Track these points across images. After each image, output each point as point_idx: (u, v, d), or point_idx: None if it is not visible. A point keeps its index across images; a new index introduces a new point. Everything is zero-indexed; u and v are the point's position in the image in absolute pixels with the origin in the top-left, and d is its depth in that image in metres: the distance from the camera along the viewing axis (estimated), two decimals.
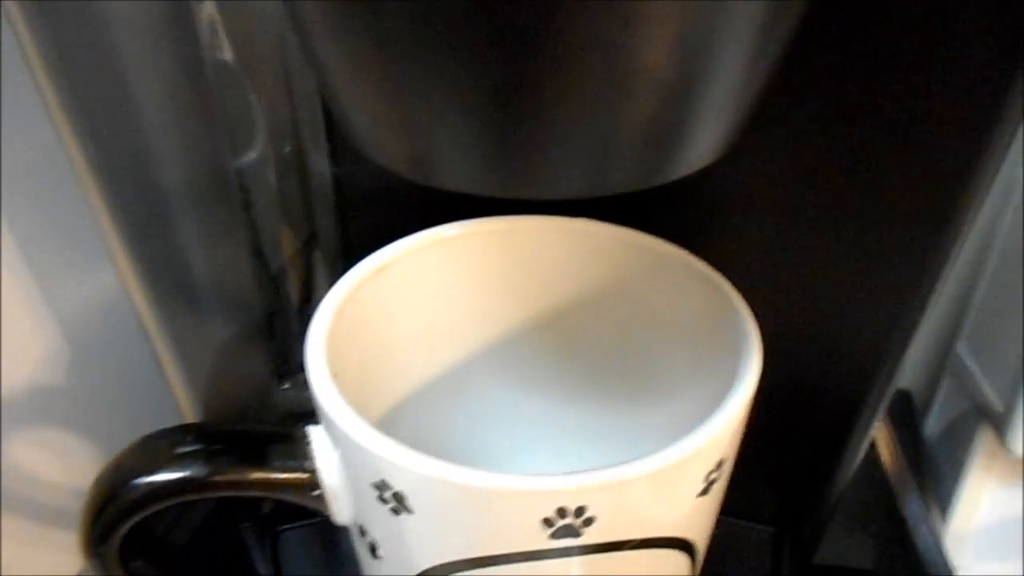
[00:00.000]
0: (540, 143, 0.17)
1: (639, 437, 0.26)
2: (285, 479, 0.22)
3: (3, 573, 0.32)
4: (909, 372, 0.49)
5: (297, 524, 0.35)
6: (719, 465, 0.21)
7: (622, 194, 0.24)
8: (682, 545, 0.22)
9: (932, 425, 0.46)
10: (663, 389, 0.27)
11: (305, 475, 0.22)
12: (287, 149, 0.27)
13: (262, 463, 0.22)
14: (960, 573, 0.37)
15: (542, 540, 0.19)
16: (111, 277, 0.27)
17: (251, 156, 0.26)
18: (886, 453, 0.39)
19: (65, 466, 0.35)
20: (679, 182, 0.26)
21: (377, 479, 0.20)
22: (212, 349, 0.29)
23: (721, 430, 0.20)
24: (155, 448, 0.22)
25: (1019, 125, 0.22)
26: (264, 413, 0.30)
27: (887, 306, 0.26)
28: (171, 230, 0.26)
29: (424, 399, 0.28)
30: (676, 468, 0.19)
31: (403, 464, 0.19)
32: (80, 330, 0.35)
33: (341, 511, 0.23)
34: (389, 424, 0.26)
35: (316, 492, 0.22)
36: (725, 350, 0.23)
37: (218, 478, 0.22)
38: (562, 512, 0.19)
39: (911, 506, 0.38)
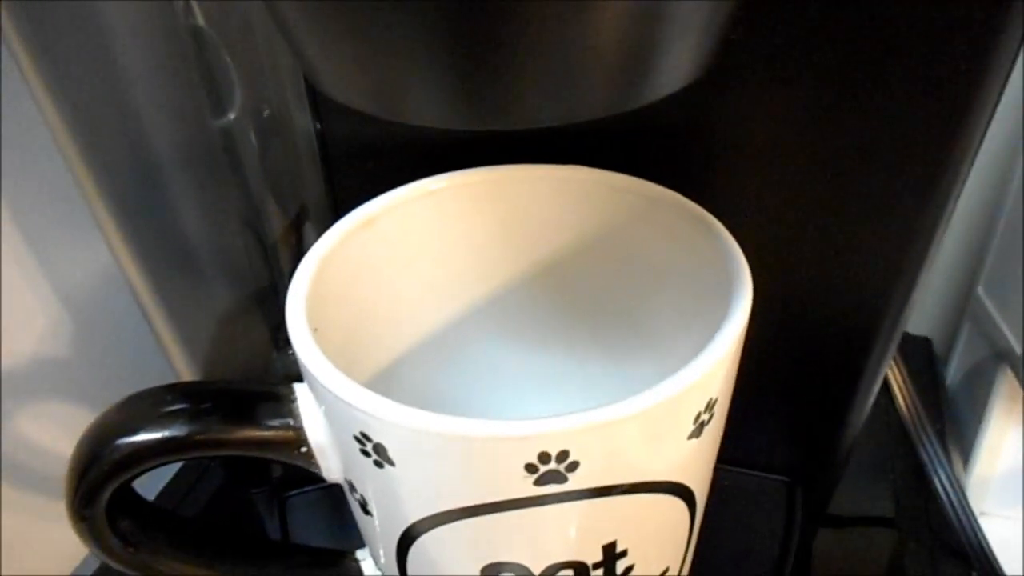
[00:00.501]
0: (505, 69, 0.16)
1: (637, 384, 0.26)
2: (271, 436, 0.22)
3: (7, 544, 0.33)
4: (929, 319, 0.49)
5: (304, 489, 0.35)
6: (710, 406, 0.20)
7: (613, 139, 0.24)
8: (678, 490, 0.22)
9: (953, 371, 0.46)
10: (659, 335, 0.26)
11: (291, 432, 0.22)
12: (266, 113, 0.26)
13: (248, 421, 0.22)
14: (982, 517, 0.36)
15: (527, 487, 0.19)
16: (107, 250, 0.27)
17: (233, 119, 0.26)
18: (902, 400, 0.38)
19: (66, 438, 0.35)
20: (674, 125, 0.25)
21: (357, 431, 0.19)
22: (210, 319, 0.28)
23: (708, 370, 0.19)
24: (138, 408, 0.22)
25: (1018, 60, 0.21)
26: (265, 380, 0.30)
27: (892, 246, 0.25)
28: (161, 200, 0.26)
29: (416, 355, 0.27)
30: (661, 409, 0.18)
31: (380, 414, 0.18)
32: (79, 304, 0.35)
33: (329, 468, 0.22)
34: (382, 382, 0.26)
35: (303, 449, 0.22)
36: (719, 293, 0.22)
37: (202, 437, 0.21)
38: (545, 457, 0.18)
39: (929, 452, 0.37)
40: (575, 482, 0.19)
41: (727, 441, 0.24)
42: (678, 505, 0.22)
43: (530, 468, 0.18)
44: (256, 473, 0.35)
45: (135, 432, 0.21)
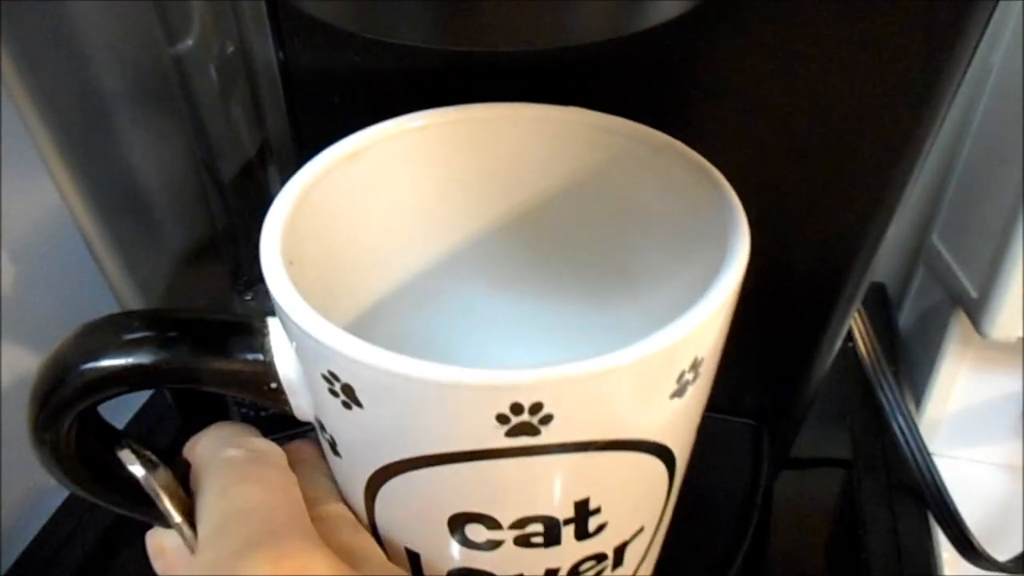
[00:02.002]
0: None
1: (627, 334, 0.25)
2: (240, 369, 0.21)
3: None
4: (883, 264, 0.51)
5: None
6: (695, 365, 0.19)
7: (591, 75, 0.23)
8: (657, 450, 0.21)
9: (906, 316, 0.48)
10: (651, 283, 0.25)
11: (261, 367, 0.21)
12: (228, 47, 0.25)
13: (217, 352, 0.21)
14: (933, 457, 0.38)
15: (498, 438, 0.18)
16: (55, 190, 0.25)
17: (188, 48, 0.24)
18: (863, 345, 0.39)
19: (15, 388, 0.34)
20: (656, 64, 0.24)
21: (325, 370, 0.19)
22: (165, 262, 0.27)
23: (693, 328, 0.18)
24: (103, 333, 0.21)
25: (991, 12, 0.21)
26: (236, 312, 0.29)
27: (861, 196, 0.25)
28: (111, 137, 0.24)
29: (399, 297, 0.26)
30: (642, 365, 0.18)
31: (348, 353, 0.18)
32: (25, 247, 0.34)
33: (300, 406, 0.22)
34: (361, 322, 0.25)
35: (273, 385, 0.21)
36: (712, 242, 0.21)
37: (168, 366, 0.20)
38: (517, 408, 0.17)
39: (887, 396, 0.38)
40: (548, 435, 0.18)
41: None
42: (656, 465, 0.21)
43: (502, 419, 0.18)
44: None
45: (99, 358, 0.20)
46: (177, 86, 0.24)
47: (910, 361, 0.46)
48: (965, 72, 0.22)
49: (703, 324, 0.18)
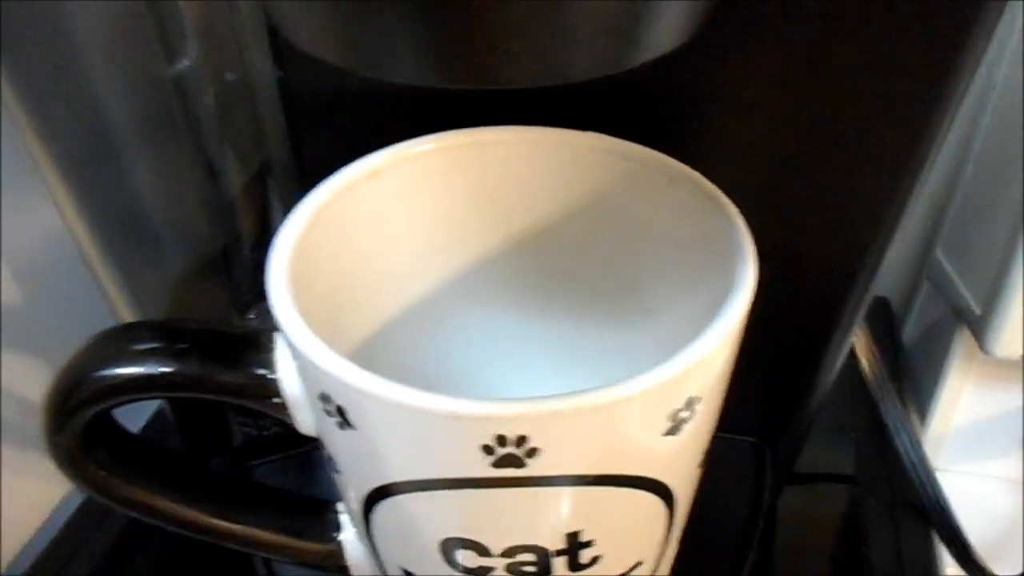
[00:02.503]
0: (490, 24, 0.15)
1: (639, 360, 0.25)
2: (246, 382, 0.21)
3: None
4: (887, 279, 0.49)
5: (267, 459, 0.34)
6: (689, 404, 0.19)
7: (588, 91, 0.22)
8: (653, 486, 0.21)
9: (910, 331, 0.48)
10: (655, 308, 0.25)
11: (266, 381, 0.21)
12: (230, 72, 0.25)
13: (224, 364, 0.21)
14: (938, 473, 0.37)
15: (484, 468, 0.18)
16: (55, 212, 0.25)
17: (189, 68, 0.24)
18: (865, 360, 0.39)
19: (21, 412, 0.35)
20: (656, 81, 0.24)
21: (320, 391, 0.19)
22: (166, 284, 0.27)
23: (683, 368, 0.18)
24: (117, 342, 0.21)
25: (995, 27, 0.21)
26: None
27: (864, 211, 0.25)
28: (112, 158, 0.24)
29: (411, 319, 0.27)
30: (628, 404, 0.17)
31: (340, 377, 0.18)
32: (26, 268, 0.34)
33: (303, 421, 0.22)
34: (370, 345, 0.26)
35: (276, 400, 0.22)
36: (721, 272, 0.21)
37: (177, 376, 0.21)
38: (502, 440, 0.17)
39: (890, 412, 0.37)
40: (536, 468, 0.18)
41: None
42: (653, 501, 0.21)
43: (487, 449, 0.18)
44: (217, 442, 0.35)
45: (111, 365, 0.21)
46: (178, 106, 0.24)
47: (914, 376, 0.45)
48: (968, 85, 0.22)
49: (696, 364, 0.18)
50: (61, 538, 0.35)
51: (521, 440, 0.17)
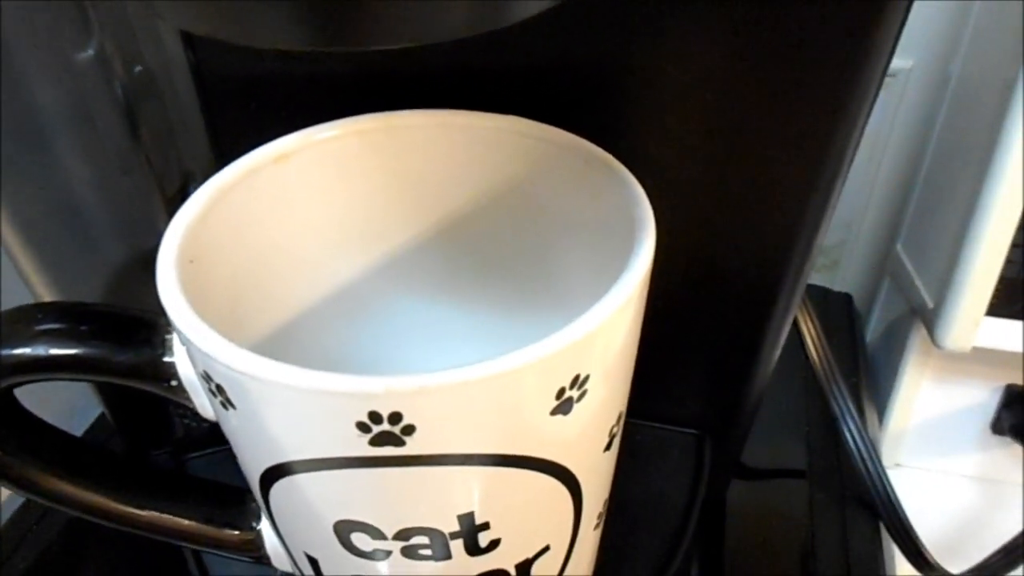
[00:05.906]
0: None
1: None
2: (142, 364, 0.21)
3: None
4: (850, 275, 0.51)
5: (206, 451, 0.35)
6: (577, 382, 0.19)
7: (508, 82, 0.22)
8: (549, 468, 0.20)
9: (873, 327, 0.49)
10: (566, 289, 0.25)
11: (162, 364, 0.21)
12: (137, 69, 0.25)
13: (119, 346, 0.21)
14: (897, 468, 0.39)
15: (362, 446, 0.18)
16: None
17: (98, 53, 0.24)
18: (815, 354, 0.39)
19: None
20: (577, 67, 0.24)
21: (201, 370, 0.19)
22: (98, 282, 0.27)
23: (565, 344, 0.18)
24: (12, 323, 0.21)
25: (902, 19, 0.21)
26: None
27: (790, 197, 0.25)
28: (38, 156, 0.24)
29: (326, 304, 0.26)
30: (503, 380, 0.17)
31: (215, 355, 0.18)
32: None
33: (203, 405, 0.22)
34: (288, 330, 0.25)
35: (174, 383, 0.21)
36: (624, 246, 0.21)
37: (79, 356, 0.21)
38: (376, 417, 0.17)
39: (840, 406, 0.37)
40: (414, 446, 0.18)
41: (634, 395, 0.23)
42: (552, 484, 0.21)
43: (362, 427, 0.17)
44: (157, 435, 0.34)
45: (12, 345, 0.21)
46: (92, 94, 0.24)
47: (877, 373, 0.45)
48: (887, 66, 0.22)
49: (580, 341, 0.18)
50: (4, 533, 0.35)
51: (395, 417, 0.17)
